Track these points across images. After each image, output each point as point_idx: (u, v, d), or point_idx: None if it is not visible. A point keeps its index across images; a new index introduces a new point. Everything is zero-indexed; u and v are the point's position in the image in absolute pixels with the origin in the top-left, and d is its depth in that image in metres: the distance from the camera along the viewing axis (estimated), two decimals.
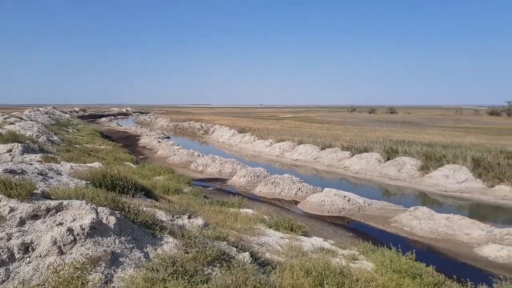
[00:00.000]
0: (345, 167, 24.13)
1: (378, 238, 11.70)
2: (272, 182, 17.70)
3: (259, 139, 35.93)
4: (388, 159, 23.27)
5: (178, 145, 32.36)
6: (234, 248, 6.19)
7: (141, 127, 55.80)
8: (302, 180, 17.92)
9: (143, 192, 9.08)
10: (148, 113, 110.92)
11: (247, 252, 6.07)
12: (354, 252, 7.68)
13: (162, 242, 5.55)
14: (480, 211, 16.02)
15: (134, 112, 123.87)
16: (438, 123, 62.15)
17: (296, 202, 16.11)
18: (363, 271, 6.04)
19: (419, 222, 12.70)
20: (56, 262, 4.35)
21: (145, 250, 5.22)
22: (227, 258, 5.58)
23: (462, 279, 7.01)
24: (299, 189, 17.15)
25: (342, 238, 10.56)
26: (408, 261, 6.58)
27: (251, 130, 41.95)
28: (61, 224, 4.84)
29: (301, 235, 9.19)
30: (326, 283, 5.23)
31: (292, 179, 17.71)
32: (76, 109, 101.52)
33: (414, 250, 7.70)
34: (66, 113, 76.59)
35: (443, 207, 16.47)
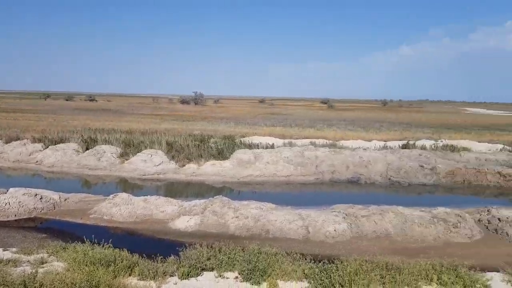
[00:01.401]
0: (37, 161, 21.41)
1: (76, 233, 11.01)
2: None
3: None
4: (87, 148, 22.40)
5: None
6: None
7: None
8: None
9: None
10: None
11: None
12: (43, 255, 6.78)
13: None
14: (174, 189, 17.98)
15: None
16: (137, 110, 65.18)
17: None
18: (52, 273, 5.37)
19: (119, 209, 12.83)
20: None
21: None
22: None
23: (157, 255, 7.53)
24: None
25: (31, 243, 9.15)
26: (103, 250, 6.38)
27: None
28: None
29: None
30: None
31: None
32: None
33: (111, 239, 7.62)
34: None
35: (143, 190, 17.36)
